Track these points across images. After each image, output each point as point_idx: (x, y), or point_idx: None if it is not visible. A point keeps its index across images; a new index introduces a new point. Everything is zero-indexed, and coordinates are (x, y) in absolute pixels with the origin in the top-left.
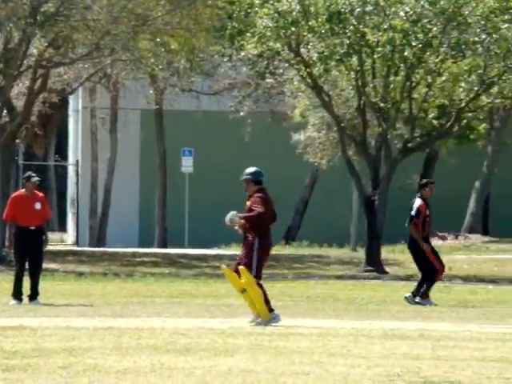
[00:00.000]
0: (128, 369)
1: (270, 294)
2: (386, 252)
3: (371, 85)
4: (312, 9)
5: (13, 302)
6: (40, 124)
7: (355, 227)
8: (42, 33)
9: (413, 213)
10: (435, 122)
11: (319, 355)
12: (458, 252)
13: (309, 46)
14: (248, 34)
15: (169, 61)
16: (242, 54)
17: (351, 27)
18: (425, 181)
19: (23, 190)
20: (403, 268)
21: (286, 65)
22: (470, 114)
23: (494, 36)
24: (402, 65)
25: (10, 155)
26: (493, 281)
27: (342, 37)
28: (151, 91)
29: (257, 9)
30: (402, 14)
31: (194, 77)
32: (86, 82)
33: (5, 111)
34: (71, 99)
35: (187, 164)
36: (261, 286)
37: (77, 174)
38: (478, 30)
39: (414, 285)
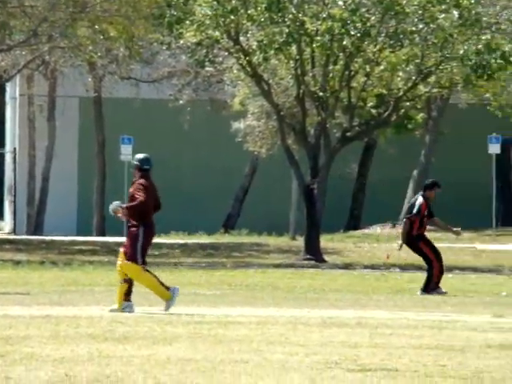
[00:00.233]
0: (65, 357)
1: (209, 282)
2: (325, 241)
3: (310, 74)
4: None
5: None
6: None
7: (294, 216)
8: None
9: (415, 211)
10: (373, 111)
11: (258, 343)
12: (395, 240)
13: (248, 35)
14: (187, 22)
15: (107, 48)
16: (181, 42)
17: (290, 16)
18: (431, 182)
19: None
20: (342, 257)
21: (226, 53)
22: (407, 104)
23: (431, 26)
24: (340, 54)
25: None
26: None
27: (281, 25)
28: (90, 79)
29: None
30: (340, 3)
31: (133, 64)
32: (23, 68)
33: None
34: (8, 86)
35: (126, 152)
36: (148, 271)
37: (14, 162)
38: (416, 20)
39: (352, 273)
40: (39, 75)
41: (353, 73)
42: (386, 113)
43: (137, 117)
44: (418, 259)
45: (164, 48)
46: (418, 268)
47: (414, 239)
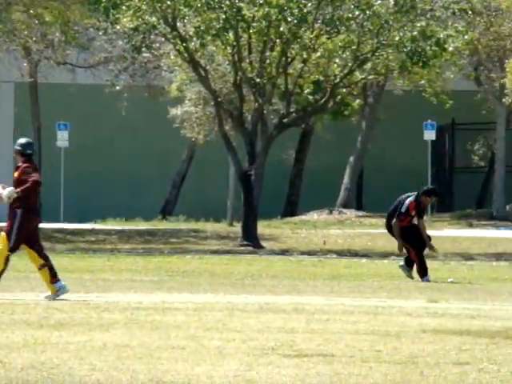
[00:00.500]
0: (0, 344)
1: (147, 268)
2: (262, 227)
3: (247, 60)
4: None
5: None
6: None
7: (232, 202)
8: None
9: (403, 210)
10: (310, 97)
11: (195, 329)
12: (332, 227)
13: (185, 21)
14: (123, 8)
15: (43, 33)
16: (118, 27)
17: (227, 2)
18: (430, 189)
19: None
20: (279, 243)
21: (163, 39)
22: (344, 90)
23: (367, 12)
24: (277, 40)
25: None
26: (365, 255)
27: (218, 11)
28: (25, 64)
29: None
30: None
31: (69, 50)
32: None
33: None
34: None
35: (63, 138)
36: (8, 260)
37: None
38: (352, 7)
39: (289, 259)
40: None
41: (290, 59)
42: (323, 99)
43: (73, 102)
44: (353, 245)
45: (100, 33)
46: (354, 254)
47: (406, 231)
